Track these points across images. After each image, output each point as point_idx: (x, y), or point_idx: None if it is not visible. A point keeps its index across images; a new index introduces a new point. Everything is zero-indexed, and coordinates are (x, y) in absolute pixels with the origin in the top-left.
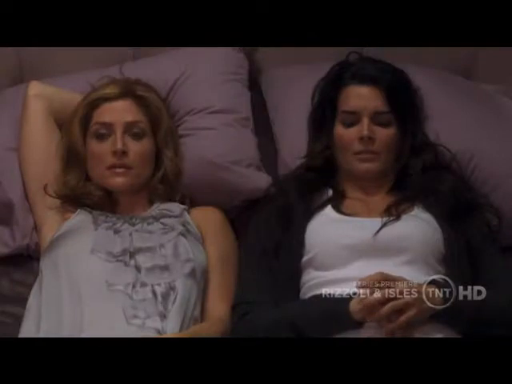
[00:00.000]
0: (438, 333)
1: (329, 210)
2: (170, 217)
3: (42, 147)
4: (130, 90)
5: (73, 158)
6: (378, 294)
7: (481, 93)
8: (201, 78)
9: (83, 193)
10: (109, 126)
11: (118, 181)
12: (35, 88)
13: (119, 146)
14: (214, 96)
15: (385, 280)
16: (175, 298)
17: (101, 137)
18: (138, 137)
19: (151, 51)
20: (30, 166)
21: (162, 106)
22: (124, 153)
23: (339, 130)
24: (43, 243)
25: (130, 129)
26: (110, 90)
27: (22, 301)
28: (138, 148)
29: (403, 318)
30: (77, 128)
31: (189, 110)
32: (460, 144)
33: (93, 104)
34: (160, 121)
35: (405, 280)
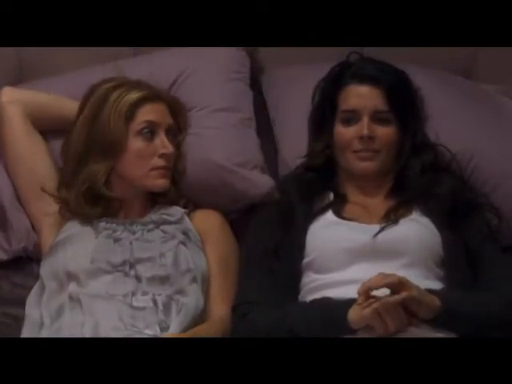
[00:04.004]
0: (436, 333)
1: (330, 214)
2: (170, 223)
3: (26, 150)
4: (158, 94)
5: (96, 154)
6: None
7: (481, 93)
8: (203, 76)
9: (77, 210)
10: (155, 126)
11: (160, 182)
12: (7, 94)
13: (169, 149)
14: (217, 94)
15: (402, 284)
16: (179, 310)
17: (148, 136)
18: (175, 139)
19: (151, 51)
20: (18, 167)
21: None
22: (168, 155)
23: (339, 128)
24: (44, 245)
25: (170, 130)
26: (147, 91)
27: (22, 303)
28: (174, 151)
29: (398, 296)
30: (122, 125)
31: (190, 107)
32: (460, 144)
33: (136, 102)
34: (185, 124)
35: (416, 285)
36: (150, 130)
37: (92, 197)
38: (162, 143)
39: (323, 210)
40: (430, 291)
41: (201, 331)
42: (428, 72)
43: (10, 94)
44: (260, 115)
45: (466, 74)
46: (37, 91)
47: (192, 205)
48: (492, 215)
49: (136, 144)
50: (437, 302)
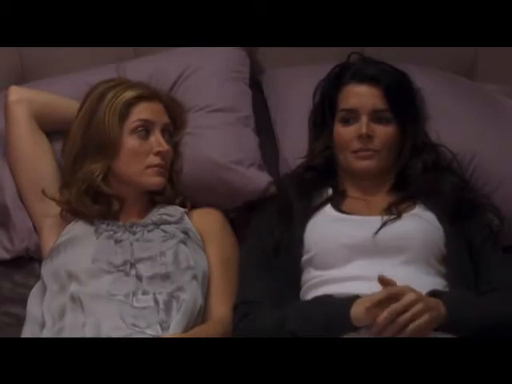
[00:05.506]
0: (436, 333)
1: (328, 208)
2: (169, 223)
3: (29, 150)
4: (155, 93)
5: (93, 152)
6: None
7: (482, 93)
8: (203, 76)
9: (79, 208)
10: (150, 124)
11: (155, 180)
12: (15, 93)
13: (165, 147)
14: (216, 94)
15: (390, 297)
16: (179, 307)
17: (142, 134)
18: (171, 139)
19: (152, 51)
20: (21, 167)
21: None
22: (164, 153)
23: (338, 128)
24: (44, 247)
25: (165, 129)
26: (143, 90)
27: (24, 302)
28: (170, 149)
29: (412, 326)
30: (116, 123)
31: (190, 107)
32: (461, 144)
33: (131, 101)
34: (182, 123)
35: (410, 289)
36: (145, 129)
37: (92, 194)
38: (157, 141)
39: (322, 205)
40: (434, 293)
41: (201, 331)
42: (428, 72)
43: (16, 93)
44: (261, 115)
45: (466, 74)
46: (41, 91)
47: (189, 203)
48: (493, 215)
49: (131, 142)
50: (442, 309)
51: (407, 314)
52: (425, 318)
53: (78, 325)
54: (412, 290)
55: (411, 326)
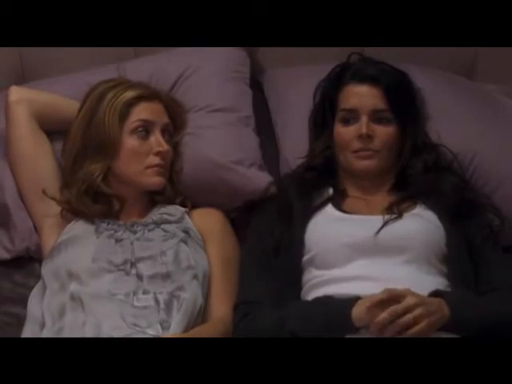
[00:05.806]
0: (437, 333)
1: (329, 208)
2: (170, 222)
3: (30, 150)
4: (155, 93)
5: (93, 153)
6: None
7: (482, 93)
8: (203, 76)
9: (80, 208)
10: (150, 124)
11: (155, 180)
12: (15, 93)
13: (165, 147)
14: (216, 94)
15: (391, 299)
16: (180, 307)
17: (142, 135)
18: (171, 139)
19: (152, 51)
20: (22, 167)
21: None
22: (164, 153)
23: (338, 128)
24: (44, 246)
25: (165, 129)
26: (143, 90)
27: (24, 302)
28: (170, 149)
29: (413, 330)
30: (116, 123)
31: (190, 107)
32: (461, 144)
33: (131, 101)
34: (182, 123)
35: (411, 293)
36: (145, 129)
37: (92, 194)
38: (157, 141)
39: (322, 205)
40: (436, 293)
41: (202, 331)
42: (428, 72)
43: (17, 93)
44: (261, 115)
45: (466, 74)
46: (42, 91)
47: (190, 203)
48: (493, 216)
49: (130, 142)
50: (445, 311)
51: (408, 316)
52: (424, 323)
53: (77, 324)
54: (414, 293)
55: (410, 331)
